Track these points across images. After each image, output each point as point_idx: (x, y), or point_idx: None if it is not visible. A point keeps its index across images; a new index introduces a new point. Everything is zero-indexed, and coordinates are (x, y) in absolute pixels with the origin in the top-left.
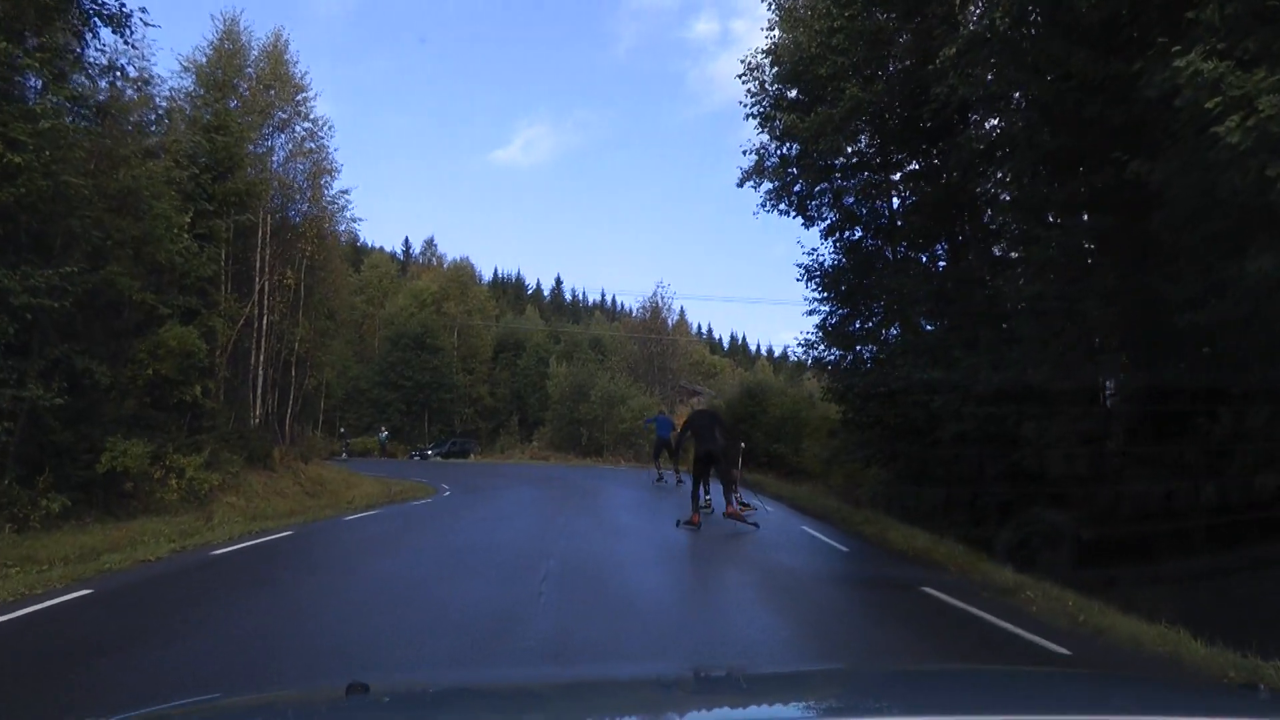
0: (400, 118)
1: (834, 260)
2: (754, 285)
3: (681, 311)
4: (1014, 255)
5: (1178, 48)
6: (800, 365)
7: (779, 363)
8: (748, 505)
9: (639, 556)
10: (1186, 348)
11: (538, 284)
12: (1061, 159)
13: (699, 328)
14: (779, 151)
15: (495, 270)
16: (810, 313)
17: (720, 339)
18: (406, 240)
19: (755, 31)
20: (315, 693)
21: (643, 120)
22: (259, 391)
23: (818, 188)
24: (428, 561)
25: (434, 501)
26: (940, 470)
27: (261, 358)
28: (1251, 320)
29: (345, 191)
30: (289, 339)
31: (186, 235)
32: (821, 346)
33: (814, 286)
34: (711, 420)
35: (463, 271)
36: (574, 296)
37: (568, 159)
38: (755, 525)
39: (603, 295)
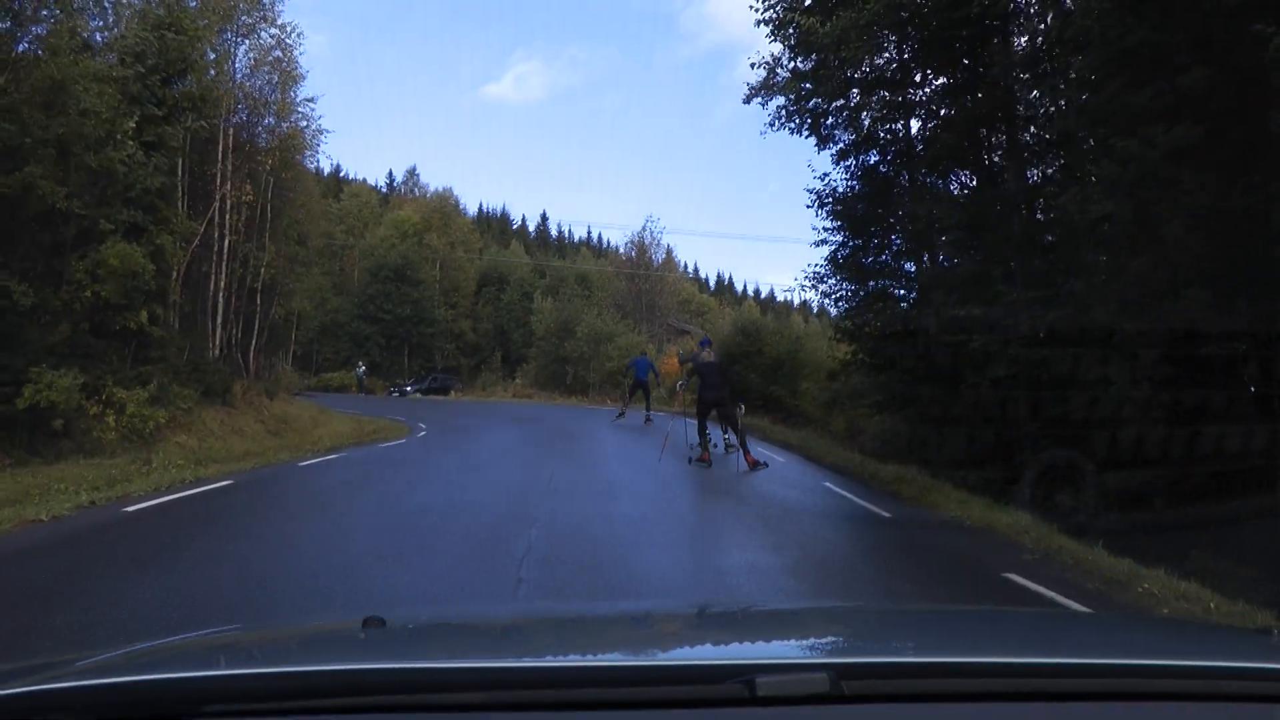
0: (392, 50)
1: (847, 187)
2: (745, 224)
3: (669, 250)
4: (1052, 173)
5: None
6: (787, 306)
7: (766, 303)
8: (734, 448)
9: (642, 524)
10: None
11: (523, 219)
12: (1144, 56)
13: (685, 266)
14: (793, 64)
15: (480, 205)
16: (819, 243)
17: (707, 279)
18: (390, 173)
19: None
20: (333, 626)
21: (635, 59)
22: (218, 320)
23: (834, 104)
24: (379, 529)
25: (406, 443)
26: (969, 418)
27: (222, 283)
28: None
29: (311, 100)
30: (254, 264)
31: (131, 142)
32: (831, 280)
33: (824, 214)
34: (719, 373)
35: (446, 202)
36: (560, 232)
37: (559, 96)
38: (764, 464)
39: (589, 232)
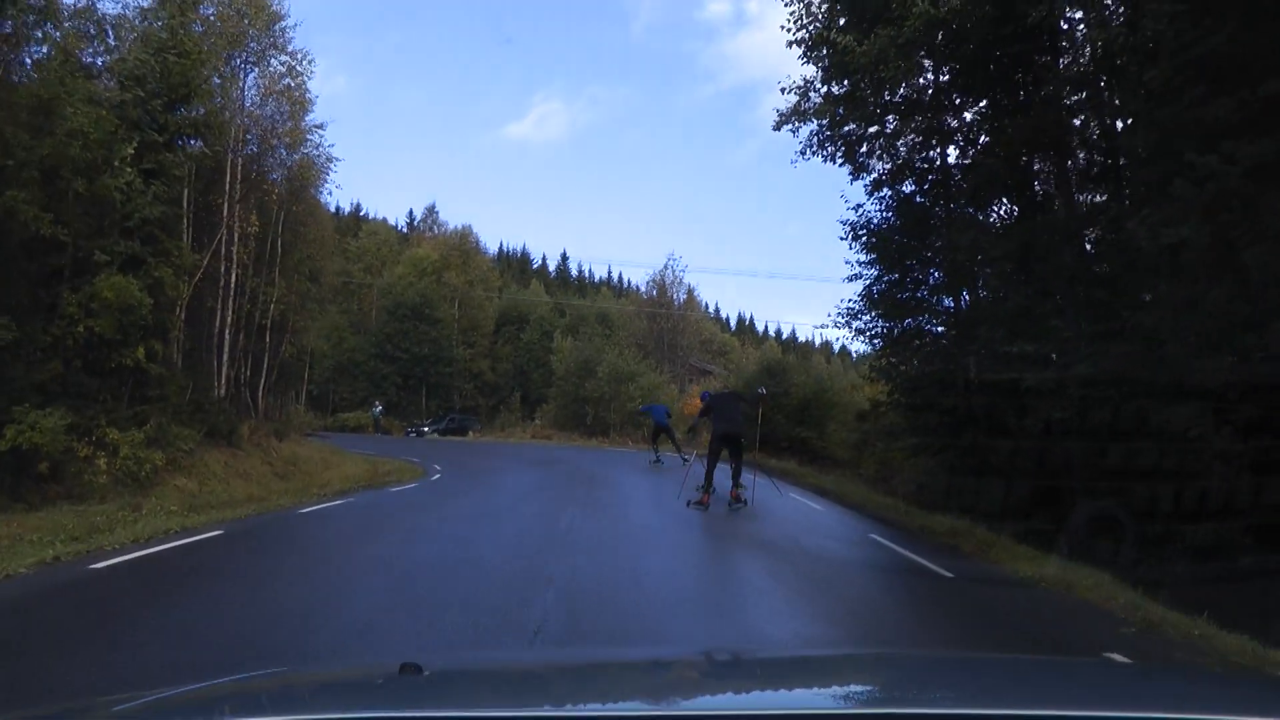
0: (413, 91)
1: (882, 219)
2: (765, 264)
3: (691, 290)
4: (1104, 199)
5: None
6: (809, 346)
7: (787, 344)
8: (743, 485)
9: (673, 585)
10: None
11: (543, 258)
12: (1223, 63)
13: (707, 306)
14: (826, 88)
15: (501, 244)
16: (853, 278)
17: (728, 318)
18: (410, 212)
19: (771, 8)
20: (372, 669)
21: (656, 99)
22: (224, 358)
23: (869, 129)
24: (370, 594)
25: (418, 487)
26: (1017, 463)
27: (229, 319)
28: None
29: (320, 127)
30: (263, 300)
31: (129, 169)
32: (866, 317)
33: (858, 247)
34: (734, 400)
35: (465, 240)
36: (580, 272)
37: (580, 135)
38: (744, 503)
39: (609, 271)
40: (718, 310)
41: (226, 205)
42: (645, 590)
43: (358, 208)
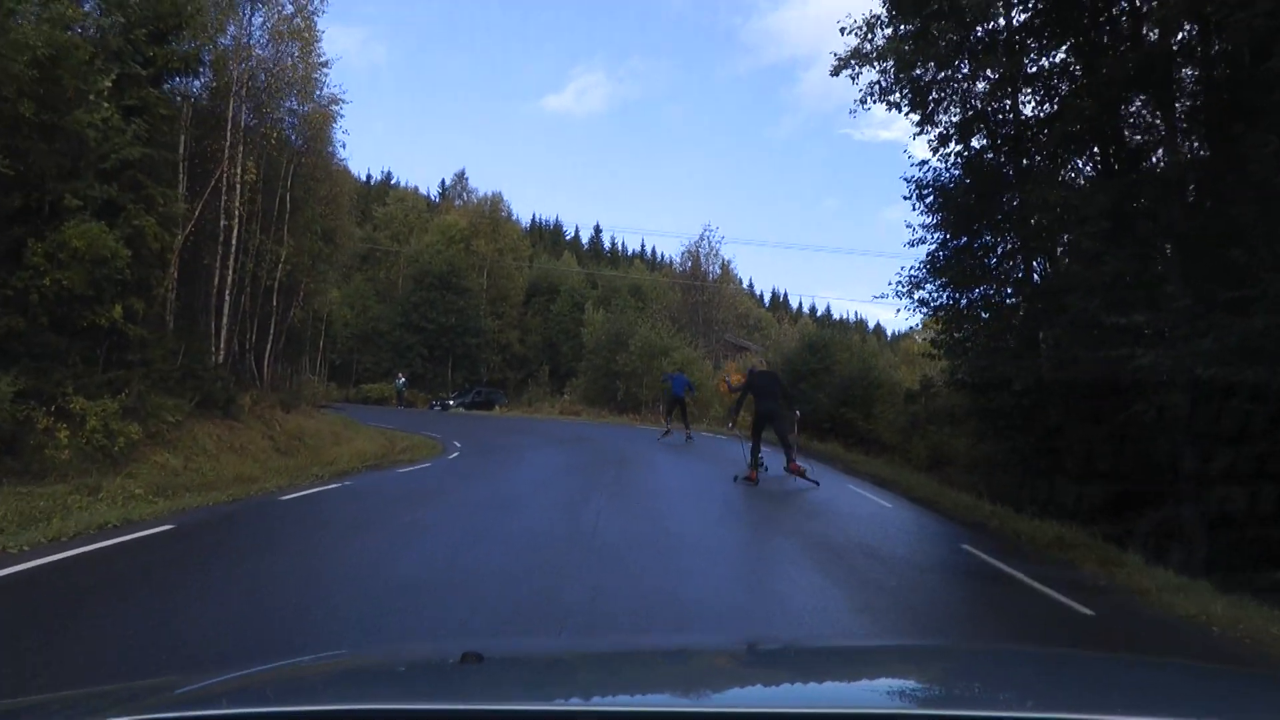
0: (452, 61)
1: (949, 176)
2: (802, 239)
3: (726, 263)
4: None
5: None
6: (844, 323)
7: (822, 320)
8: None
9: (728, 617)
10: None
11: (576, 230)
12: None
13: (742, 281)
14: (892, 28)
15: (534, 216)
16: (915, 242)
17: (762, 295)
18: (442, 181)
19: None
20: (435, 656)
21: (695, 73)
22: (223, 321)
23: (941, 74)
24: (312, 632)
25: (430, 468)
26: (1110, 453)
27: (229, 278)
28: None
29: (326, 64)
30: (270, 259)
31: (107, 104)
32: (930, 286)
33: (923, 208)
34: (773, 381)
35: (496, 207)
36: (613, 244)
37: (618, 109)
38: (815, 483)
39: (643, 245)
40: (752, 285)
41: (226, 153)
42: (685, 616)
43: (389, 176)
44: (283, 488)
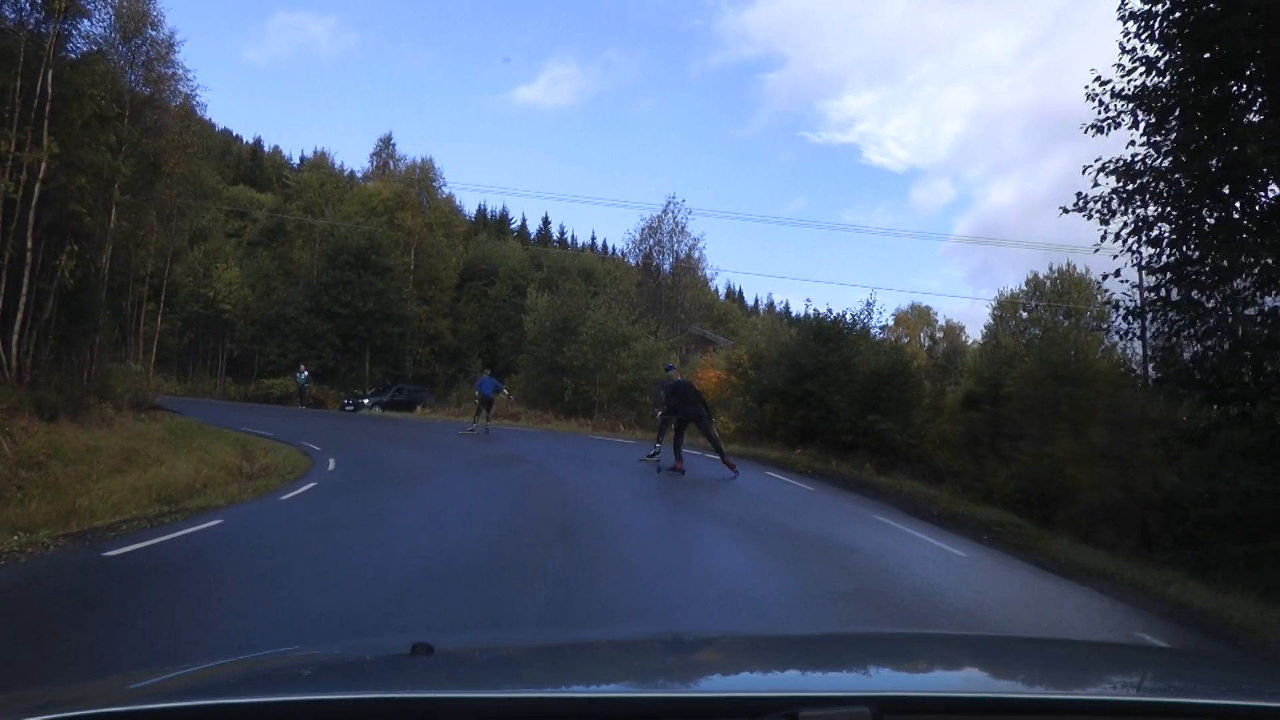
0: (423, 51)
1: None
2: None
3: (695, 242)
4: None
5: None
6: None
7: (779, 319)
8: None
9: None
10: None
11: (523, 218)
12: None
13: (707, 269)
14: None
15: (480, 206)
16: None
17: (716, 289)
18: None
19: None
20: (383, 649)
21: (667, 68)
22: None
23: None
24: None
25: (223, 525)
26: None
27: None
28: None
29: None
30: (9, 166)
31: None
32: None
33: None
34: (694, 394)
35: (426, 174)
36: (562, 234)
37: (589, 102)
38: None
39: (593, 237)
40: (715, 276)
41: None
42: None
43: (323, 154)
44: None
